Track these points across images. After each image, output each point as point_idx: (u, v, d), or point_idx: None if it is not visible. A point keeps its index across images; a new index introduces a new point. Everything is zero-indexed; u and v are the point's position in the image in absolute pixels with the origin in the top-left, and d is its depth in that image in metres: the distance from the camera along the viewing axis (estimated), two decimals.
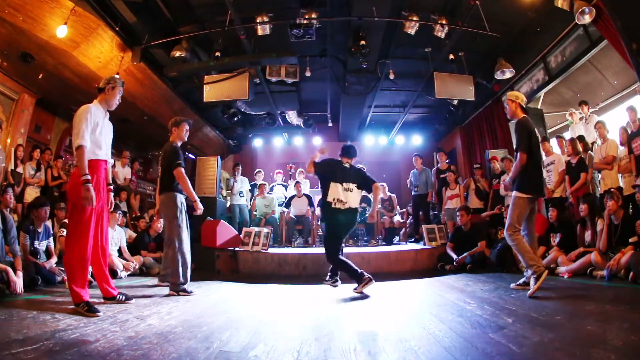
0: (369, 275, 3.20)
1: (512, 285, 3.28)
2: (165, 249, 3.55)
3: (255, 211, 6.98)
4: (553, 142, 5.80)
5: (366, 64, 5.97)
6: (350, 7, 5.00)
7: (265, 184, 7.18)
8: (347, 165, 3.57)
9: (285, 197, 7.36)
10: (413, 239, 6.78)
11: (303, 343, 1.79)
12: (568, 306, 2.49)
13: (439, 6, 5.34)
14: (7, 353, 1.56)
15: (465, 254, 4.77)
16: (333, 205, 3.35)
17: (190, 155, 8.60)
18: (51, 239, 4.05)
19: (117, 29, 4.96)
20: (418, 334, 1.91)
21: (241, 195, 7.08)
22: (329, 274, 3.66)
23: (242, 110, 8.00)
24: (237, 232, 5.52)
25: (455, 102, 7.39)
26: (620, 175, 4.44)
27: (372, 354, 1.62)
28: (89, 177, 2.50)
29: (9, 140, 5.53)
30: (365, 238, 6.60)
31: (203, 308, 2.71)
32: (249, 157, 10.34)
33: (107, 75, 4.63)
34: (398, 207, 7.52)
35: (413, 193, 7.03)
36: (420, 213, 6.97)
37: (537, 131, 3.31)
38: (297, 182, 7.08)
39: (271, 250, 5.28)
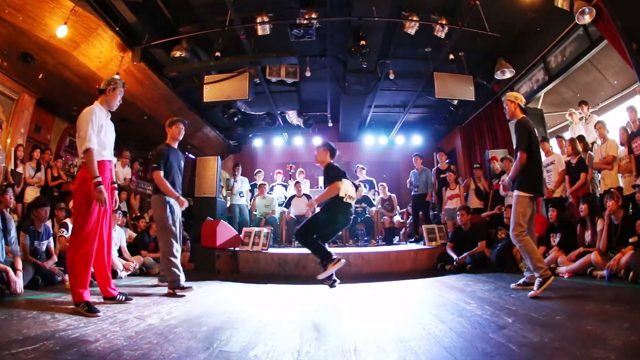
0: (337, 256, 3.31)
1: (512, 285, 3.28)
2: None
3: (255, 211, 6.98)
4: (553, 142, 5.80)
5: (366, 64, 5.97)
6: (350, 7, 5.00)
7: (265, 184, 7.18)
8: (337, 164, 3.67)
9: (285, 197, 7.36)
10: (413, 239, 6.77)
11: (303, 343, 1.79)
12: (568, 306, 2.49)
13: (439, 6, 5.34)
14: (7, 353, 1.56)
15: (465, 254, 4.77)
16: (345, 200, 3.43)
17: (190, 155, 8.60)
18: (51, 239, 4.06)
19: (117, 29, 4.96)
20: (418, 334, 1.91)
21: (241, 195, 7.08)
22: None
23: (242, 110, 8.00)
24: (237, 232, 5.52)
25: (455, 102, 7.38)
26: (620, 175, 4.44)
27: (372, 354, 1.62)
28: (100, 179, 2.55)
29: (9, 140, 5.53)
30: (365, 238, 6.60)
31: (203, 308, 2.71)
32: (249, 157, 10.34)
33: (107, 75, 4.67)
34: (398, 207, 7.53)
35: (413, 193, 7.03)
36: (420, 213, 6.98)
37: (536, 131, 3.31)
38: (297, 182, 7.08)
39: (271, 250, 5.27)
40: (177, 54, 5.43)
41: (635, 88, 5.57)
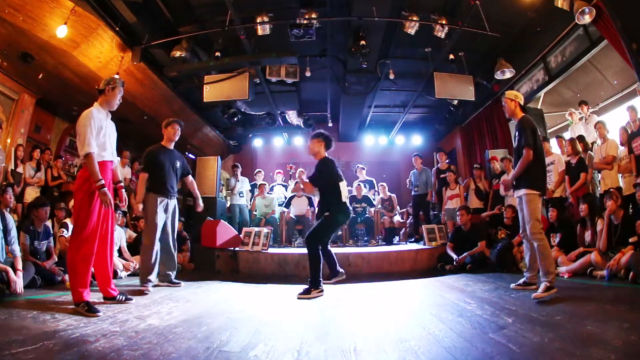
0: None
1: (512, 285, 3.26)
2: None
3: (255, 211, 6.98)
4: (553, 142, 5.80)
5: (366, 64, 5.97)
6: (350, 7, 5.00)
7: (265, 184, 7.18)
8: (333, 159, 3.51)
9: (285, 197, 7.36)
10: (413, 239, 6.77)
11: (303, 343, 1.79)
12: (568, 306, 2.49)
13: (439, 6, 5.34)
14: (7, 353, 1.56)
15: (465, 254, 4.77)
16: (347, 203, 3.48)
17: (190, 155, 8.60)
18: (51, 239, 4.06)
19: (117, 29, 4.96)
20: (418, 334, 1.91)
21: (241, 195, 7.08)
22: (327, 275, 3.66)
23: (242, 110, 8.00)
24: (237, 232, 5.51)
25: (455, 102, 7.39)
26: (620, 175, 4.44)
27: (372, 354, 1.62)
28: (103, 182, 2.57)
29: (9, 140, 5.53)
30: (365, 238, 6.60)
31: (203, 308, 2.71)
32: (249, 157, 10.34)
33: (107, 75, 4.67)
34: (398, 207, 7.53)
35: (413, 193, 7.03)
36: (420, 213, 6.98)
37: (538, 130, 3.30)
38: (297, 182, 7.07)
39: (271, 250, 5.27)
40: (177, 54, 5.43)
41: (635, 88, 5.57)
